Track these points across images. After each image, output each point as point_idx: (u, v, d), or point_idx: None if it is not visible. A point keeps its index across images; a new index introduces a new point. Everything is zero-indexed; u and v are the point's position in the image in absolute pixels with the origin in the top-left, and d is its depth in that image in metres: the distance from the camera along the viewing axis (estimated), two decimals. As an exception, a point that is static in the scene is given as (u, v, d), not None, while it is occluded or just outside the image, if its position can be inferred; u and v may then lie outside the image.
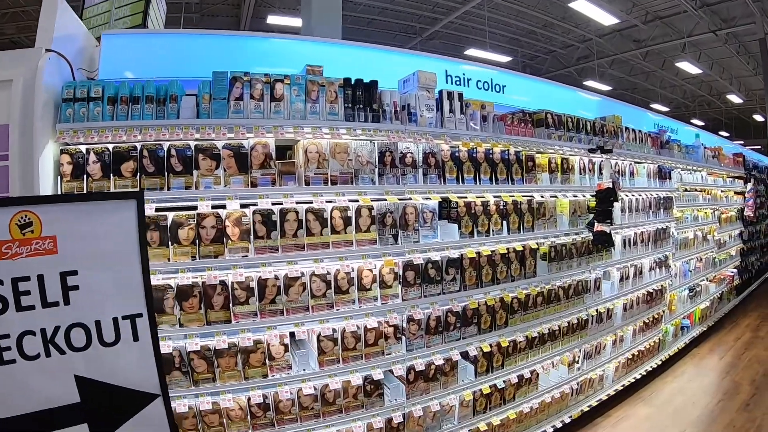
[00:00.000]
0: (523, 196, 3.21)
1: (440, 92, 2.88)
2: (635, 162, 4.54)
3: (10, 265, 1.34)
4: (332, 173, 2.54)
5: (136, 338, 1.48)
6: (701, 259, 5.92)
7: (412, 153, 2.75)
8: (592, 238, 3.50)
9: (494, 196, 3.07)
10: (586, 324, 3.72)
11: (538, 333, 3.37)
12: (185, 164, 2.37)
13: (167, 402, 1.56)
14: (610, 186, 3.43)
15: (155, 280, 2.39)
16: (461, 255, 2.87)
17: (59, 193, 2.25)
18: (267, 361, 2.49)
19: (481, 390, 3.09)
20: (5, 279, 1.35)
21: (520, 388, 3.34)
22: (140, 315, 1.49)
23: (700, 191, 6.09)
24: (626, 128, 4.31)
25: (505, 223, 3.11)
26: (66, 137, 2.24)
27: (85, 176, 2.28)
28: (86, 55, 2.66)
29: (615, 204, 3.46)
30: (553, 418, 3.56)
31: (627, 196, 4.20)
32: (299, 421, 2.58)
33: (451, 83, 3.46)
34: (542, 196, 3.31)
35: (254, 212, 2.42)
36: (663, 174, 4.91)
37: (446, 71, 3.45)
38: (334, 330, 2.57)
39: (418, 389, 2.84)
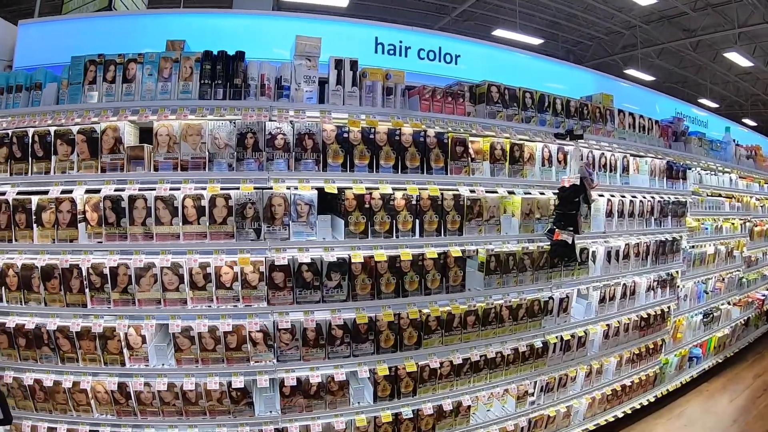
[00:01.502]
0: (443, 190, 2.49)
1: (329, 60, 2.35)
2: (632, 155, 3.34)
3: None
4: (183, 158, 2.23)
5: None
6: (723, 279, 4.61)
7: (284, 134, 2.29)
8: (550, 248, 2.60)
9: (400, 189, 2.43)
10: (544, 352, 2.85)
11: (465, 359, 2.66)
12: (45, 150, 2.32)
13: None
14: (577, 183, 2.48)
15: (23, 260, 2.41)
16: (348, 258, 2.35)
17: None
18: (124, 350, 2.35)
19: (381, 417, 2.55)
20: None
21: (442, 420, 2.70)
22: None
23: (727, 197, 4.71)
24: (620, 111, 3.15)
25: (417, 222, 2.46)
26: None
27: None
28: (7, 46, 2.77)
29: (584, 206, 2.50)
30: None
31: (615, 197, 3.10)
32: (162, 415, 2.40)
33: (383, 53, 2.83)
34: (472, 191, 2.54)
35: (104, 198, 2.25)
36: (674, 172, 3.62)
37: (376, 38, 2.83)
38: (189, 328, 2.30)
39: (296, 405, 2.44)
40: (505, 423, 2.90)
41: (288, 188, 2.29)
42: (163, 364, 2.39)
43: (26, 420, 2.52)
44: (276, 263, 2.25)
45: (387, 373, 2.49)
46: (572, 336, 2.99)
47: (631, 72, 12.05)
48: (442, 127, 2.50)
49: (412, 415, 2.61)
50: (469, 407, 2.77)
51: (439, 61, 2.90)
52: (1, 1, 8.10)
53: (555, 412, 3.07)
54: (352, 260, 2.34)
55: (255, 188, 2.22)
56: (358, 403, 2.55)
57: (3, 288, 2.43)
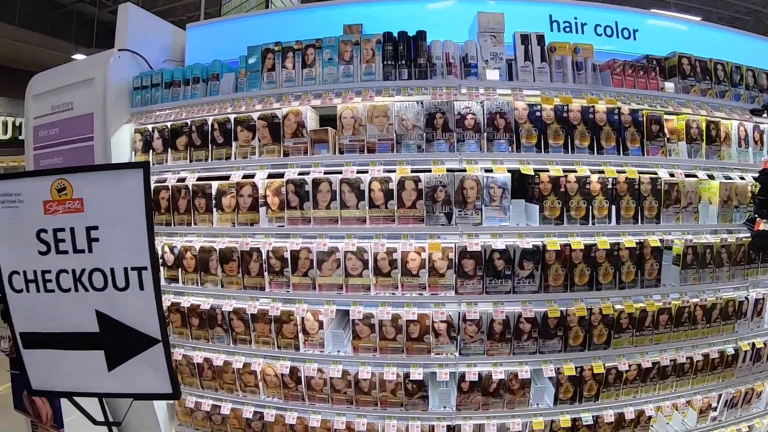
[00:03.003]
0: (641, 173, 2.19)
1: (513, 35, 2.12)
2: None
3: (52, 219, 1.63)
4: (369, 140, 2.08)
5: (141, 287, 1.61)
6: None
7: (474, 114, 2.09)
8: (750, 240, 2.21)
9: (596, 171, 2.15)
10: (734, 360, 2.46)
11: (654, 363, 2.33)
12: (226, 136, 2.30)
13: (167, 348, 1.64)
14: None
15: (201, 242, 2.37)
16: (542, 246, 2.10)
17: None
18: (300, 334, 2.25)
19: (560, 421, 2.28)
20: (49, 229, 1.64)
21: (621, 430, 2.39)
22: (145, 268, 1.59)
23: None
24: None
25: (614, 208, 2.18)
26: (135, 119, 2.48)
27: (150, 150, 2.48)
28: (176, 48, 2.82)
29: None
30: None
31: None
32: (330, 402, 2.28)
33: (558, 30, 2.57)
34: (671, 174, 2.21)
35: (287, 182, 2.15)
36: None
37: (550, 16, 2.57)
38: (370, 315, 2.16)
39: (472, 402, 2.23)
40: (684, 438, 2.53)
41: (480, 170, 2.07)
42: (338, 351, 2.26)
43: (191, 396, 2.50)
44: (468, 249, 2.05)
45: (573, 373, 2.22)
46: (765, 344, 2.57)
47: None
48: (638, 104, 2.20)
49: (591, 422, 2.33)
50: (650, 418, 2.44)
51: (617, 36, 2.59)
52: (164, 11, 8.63)
53: (736, 430, 2.66)
54: (547, 248, 2.09)
55: (447, 170, 2.02)
56: (537, 404, 2.30)
57: (180, 269, 2.42)
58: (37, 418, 2.24)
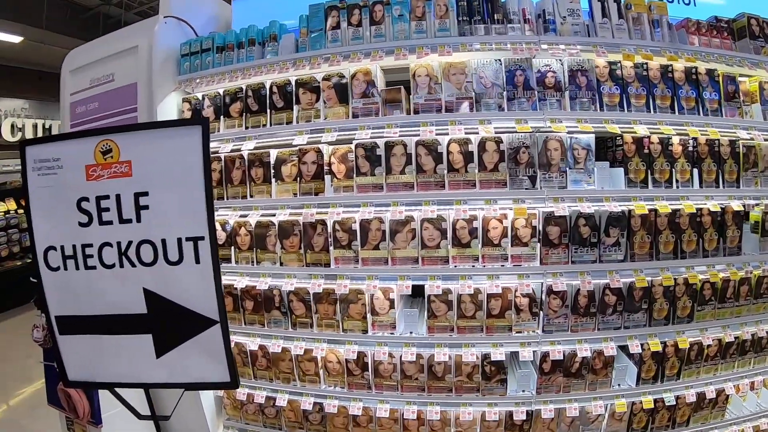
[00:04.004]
0: (721, 134, 2.10)
1: (588, -8, 2.03)
2: None
3: (95, 186, 1.43)
4: (447, 99, 1.94)
5: (197, 260, 1.40)
6: None
7: (553, 72, 1.97)
8: None
9: (678, 133, 2.05)
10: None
11: (736, 338, 2.20)
12: (286, 100, 2.12)
13: (225, 331, 1.44)
14: None
15: (258, 216, 2.17)
16: (628, 211, 1.97)
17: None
18: (369, 315, 2.04)
19: (641, 403, 2.12)
20: (91, 197, 1.43)
21: (699, 411, 2.23)
22: (202, 238, 1.39)
23: None
24: None
25: (695, 171, 2.07)
26: (184, 87, 2.28)
27: (201, 120, 2.27)
28: (221, 21, 2.66)
29: None
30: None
31: None
32: (400, 389, 2.07)
33: None
34: (750, 137, 2.13)
35: (356, 146, 1.98)
36: None
37: None
38: (448, 291, 1.97)
39: (553, 384, 2.05)
40: (759, 420, 2.38)
41: (565, 131, 1.94)
42: (411, 333, 2.06)
43: (242, 387, 2.24)
44: (555, 214, 1.90)
45: (659, 348, 2.06)
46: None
47: None
48: (715, 62, 2.12)
49: (674, 402, 2.16)
50: (728, 397, 2.29)
51: (677, 2, 2.54)
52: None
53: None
54: (633, 213, 1.95)
55: (532, 128, 1.88)
56: (618, 385, 2.13)
57: (233, 248, 2.20)
58: (72, 413, 1.97)
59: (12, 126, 8.55)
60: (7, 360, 4.47)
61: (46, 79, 8.24)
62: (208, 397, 2.26)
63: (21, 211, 6.62)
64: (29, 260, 6.01)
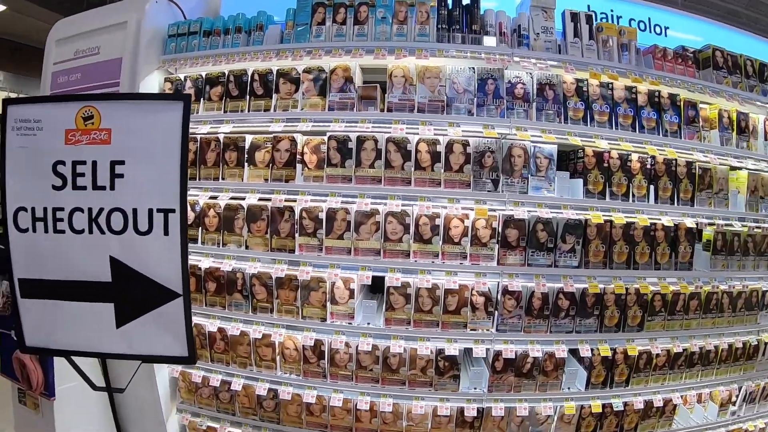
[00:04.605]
0: (679, 155, 2.20)
1: (563, 13, 2.13)
2: None
3: (73, 150, 1.44)
4: (419, 100, 2.00)
5: (166, 232, 1.42)
6: None
7: (523, 84, 2.05)
8: None
9: (637, 150, 2.14)
10: (755, 353, 2.44)
11: (684, 350, 2.28)
12: (266, 88, 2.16)
13: (187, 305, 1.45)
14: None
15: (227, 200, 2.19)
16: (585, 220, 2.04)
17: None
18: (328, 303, 2.07)
19: (590, 407, 2.17)
20: (67, 161, 1.44)
21: (647, 419, 2.30)
22: (173, 211, 1.42)
23: None
24: None
25: (652, 188, 2.16)
26: (167, 66, 2.31)
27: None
28: (211, 7, 2.69)
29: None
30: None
31: None
32: (354, 380, 2.09)
33: (595, 20, 2.61)
34: (705, 160, 2.23)
35: (329, 137, 2.03)
36: None
37: (588, 6, 2.63)
38: (407, 284, 2.02)
39: (504, 383, 2.10)
40: (704, 432, 2.46)
41: (529, 139, 2.02)
42: (368, 324, 2.09)
43: (197, 370, 2.24)
44: (515, 217, 1.96)
45: (608, 354, 2.13)
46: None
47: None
48: (677, 88, 2.23)
49: (621, 408, 2.22)
50: (675, 407, 2.36)
51: (650, 32, 2.68)
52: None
53: (753, 427, 2.62)
54: (590, 222, 2.03)
55: (498, 134, 1.96)
56: (568, 388, 2.19)
57: (200, 229, 2.22)
58: (25, 384, 1.94)
59: (-15, 98, 8.45)
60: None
61: (22, 51, 8.10)
62: (163, 378, 2.25)
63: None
64: None
